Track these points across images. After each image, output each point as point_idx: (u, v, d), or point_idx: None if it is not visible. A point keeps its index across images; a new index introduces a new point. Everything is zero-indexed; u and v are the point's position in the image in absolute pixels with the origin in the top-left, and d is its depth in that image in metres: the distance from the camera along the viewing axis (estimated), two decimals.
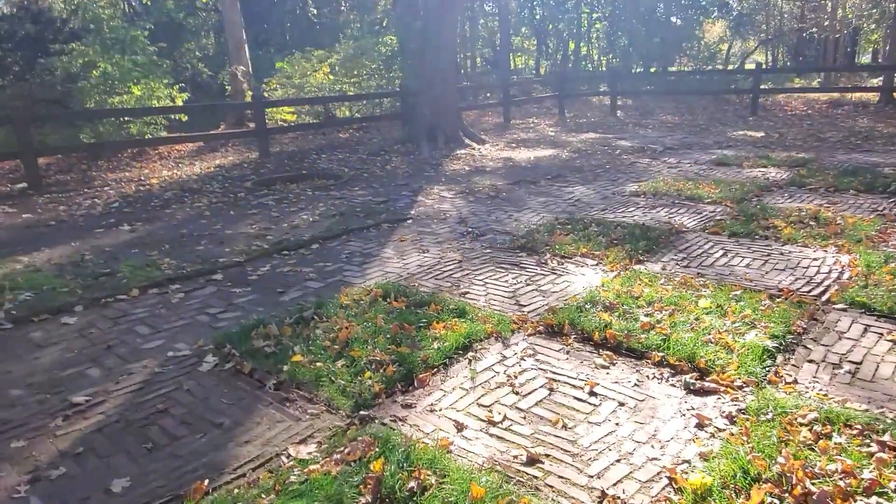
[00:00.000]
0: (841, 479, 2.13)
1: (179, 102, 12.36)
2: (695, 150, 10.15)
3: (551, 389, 2.90)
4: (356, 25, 24.11)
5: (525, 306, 3.89)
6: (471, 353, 3.25)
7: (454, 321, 3.56)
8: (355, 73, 16.83)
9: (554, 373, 3.06)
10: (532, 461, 2.37)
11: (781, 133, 11.56)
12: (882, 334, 3.27)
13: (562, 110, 17.34)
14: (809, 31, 34.09)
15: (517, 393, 2.88)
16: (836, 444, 2.33)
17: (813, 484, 2.10)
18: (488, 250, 5.12)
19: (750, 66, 32.93)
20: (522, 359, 3.20)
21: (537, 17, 31.91)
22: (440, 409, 2.76)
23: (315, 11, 24.09)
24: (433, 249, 5.22)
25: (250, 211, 6.95)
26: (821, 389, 2.78)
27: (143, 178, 9.43)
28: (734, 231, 5.18)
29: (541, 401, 2.81)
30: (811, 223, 5.30)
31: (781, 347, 3.13)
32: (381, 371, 3.04)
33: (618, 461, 2.36)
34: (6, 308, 4.16)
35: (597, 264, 4.61)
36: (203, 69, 16.28)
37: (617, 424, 2.61)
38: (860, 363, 3.00)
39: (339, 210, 6.79)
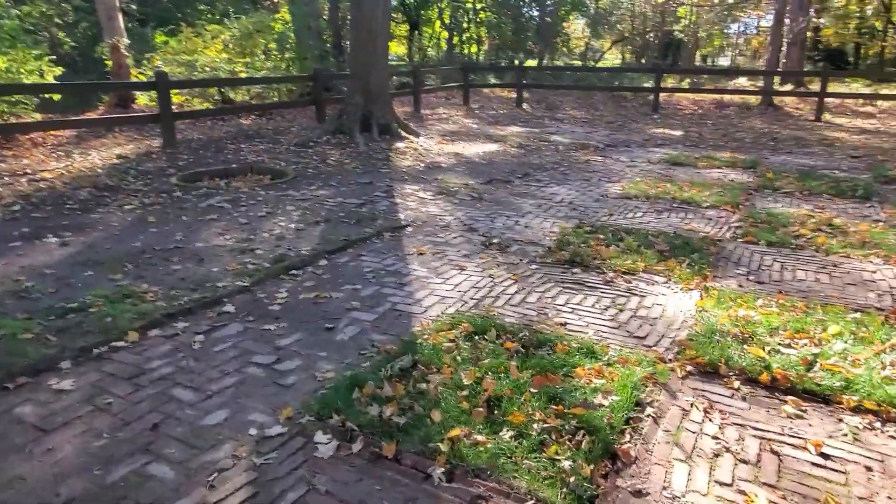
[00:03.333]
0: None
1: (51, 78, 10.37)
2: (634, 148, 10.24)
3: (776, 453, 2.47)
4: None
5: (643, 339, 3.43)
6: (650, 410, 2.73)
7: (597, 366, 3.02)
8: (248, 51, 15.35)
9: (756, 429, 2.63)
10: None
11: (699, 132, 12.06)
12: None
13: (467, 101, 17.04)
14: (661, 33, 36.72)
15: (746, 462, 2.42)
16: None
17: None
18: (534, 266, 4.59)
19: (604, 63, 34.82)
20: (706, 413, 2.74)
21: (410, 2, 31.35)
22: (683, 496, 2.23)
23: None
24: (469, 266, 4.59)
25: (208, 216, 5.82)
26: None
27: (29, 171, 7.70)
28: (769, 241, 5.08)
29: (780, 471, 2.37)
30: (829, 230, 5.35)
31: None
32: (570, 444, 2.44)
33: None
34: None
35: (667, 282, 4.26)
36: (65, 40, 13.90)
37: (890, 499, 2.24)
38: None
39: (318, 215, 5.88)
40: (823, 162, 8.87)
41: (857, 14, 34.90)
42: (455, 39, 30.60)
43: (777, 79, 17.62)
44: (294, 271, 4.44)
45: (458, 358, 3.09)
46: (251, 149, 9.66)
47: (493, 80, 22.14)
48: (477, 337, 3.33)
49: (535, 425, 2.54)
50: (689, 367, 3.10)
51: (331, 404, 2.69)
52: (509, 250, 4.97)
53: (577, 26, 39.89)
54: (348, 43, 11.84)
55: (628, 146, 10.37)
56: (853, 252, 4.82)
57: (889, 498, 2.24)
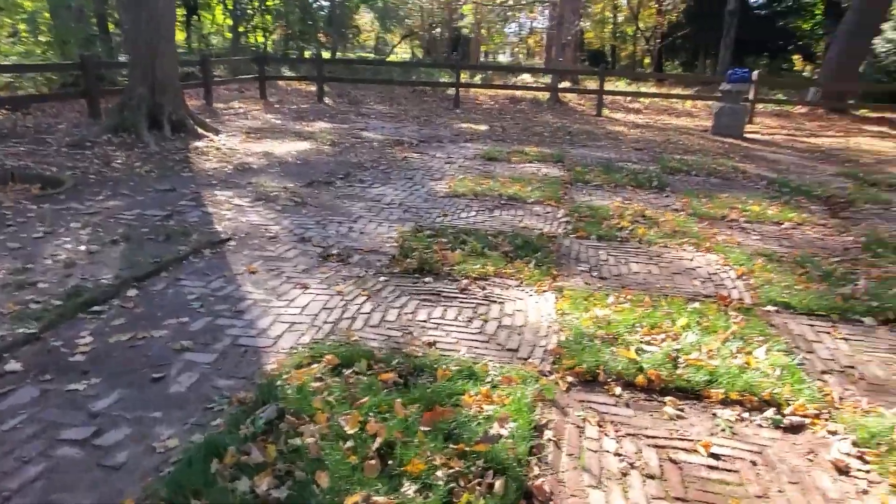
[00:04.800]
0: None
1: None
2: (446, 143, 10.32)
3: (674, 462, 2.47)
4: None
5: (516, 351, 3.31)
6: (549, 433, 2.59)
7: (483, 390, 2.81)
8: None
9: (649, 437, 2.62)
10: None
11: (502, 127, 12.57)
12: (828, 331, 3.64)
13: (263, 94, 16.01)
14: (449, 29, 38.24)
15: (652, 477, 2.37)
16: None
17: None
18: (382, 277, 4.28)
19: (393, 58, 35.34)
20: (601, 427, 2.67)
21: None
22: None
23: None
24: (312, 283, 4.14)
25: None
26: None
27: None
28: (599, 235, 5.31)
29: (684, 482, 2.36)
30: (644, 221, 5.76)
31: (802, 362, 3.25)
32: (481, 489, 2.20)
33: None
34: None
35: (520, 285, 4.21)
36: None
37: (780, 491, 2.33)
38: (852, 367, 3.27)
39: (115, 232, 4.95)
40: (615, 154, 9.70)
41: (612, 20, 39.49)
42: (241, 27, 28.71)
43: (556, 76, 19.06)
44: (96, 307, 3.63)
45: (331, 399, 2.69)
46: (8, 151, 7.98)
47: (288, 73, 21.14)
48: (346, 370, 2.94)
49: (438, 472, 2.25)
50: (569, 378, 3.03)
51: (185, 485, 2.15)
52: (351, 261, 4.60)
53: (367, 19, 39.88)
54: (122, 26, 10.37)
55: (440, 142, 10.43)
56: (669, 241, 5.22)
57: (780, 492, 2.33)
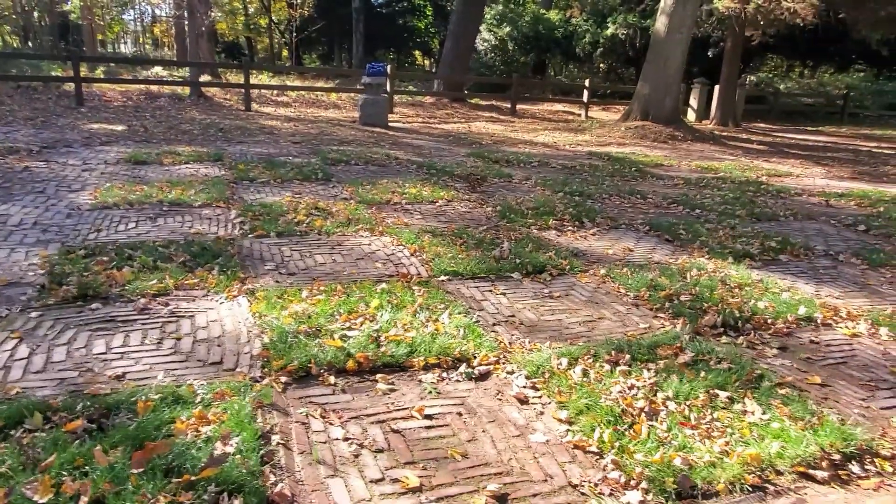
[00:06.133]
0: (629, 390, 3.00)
1: None
2: (79, 148, 8.97)
3: (396, 431, 2.67)
4: None
5: (220, 364, 3.14)
6: (276, 438, 2.54)
7: (196, 412, 2.61)
8: None
9: (369, 415, 2.77)
10: (501, 497, 2.28)
11: (144, 126, 11.41)
12: (490, 289, 4.30)
13: None
14: (52, 14, 32.98)
15: (381, 450, 2.53)
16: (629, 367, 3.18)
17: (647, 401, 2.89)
18: (35, 313, 3.59)
19: None
20: (324, 418, 2.73)
21: None
22: None
23: None
24: None
25: None
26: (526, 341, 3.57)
27: None
28: (278, 232, 5.28)
29: (410, 447, 2.57)
30: (319, 213, 5.92)
31: (477, 319, 3.75)
32: None
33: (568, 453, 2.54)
34: None
35: (207, 294, 3.98)
36: None
37: (484, 431, 2.71)
38: (513, 316, 3.93)
39: None
40: (275, 149, 9.68)
41: (243, 11, 38.80)
42: None
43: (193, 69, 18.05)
44: None
45: (5, 470, 2.19)
46: None
47: None
48: (16, 431, 2.42)
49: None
50: (283, 379, 3.00)
51: None
52: None
53: None
54: None
55: (70, 146, 9.03)
56: (346, 230, 5.47)
57: (484, 431, 2.71)
